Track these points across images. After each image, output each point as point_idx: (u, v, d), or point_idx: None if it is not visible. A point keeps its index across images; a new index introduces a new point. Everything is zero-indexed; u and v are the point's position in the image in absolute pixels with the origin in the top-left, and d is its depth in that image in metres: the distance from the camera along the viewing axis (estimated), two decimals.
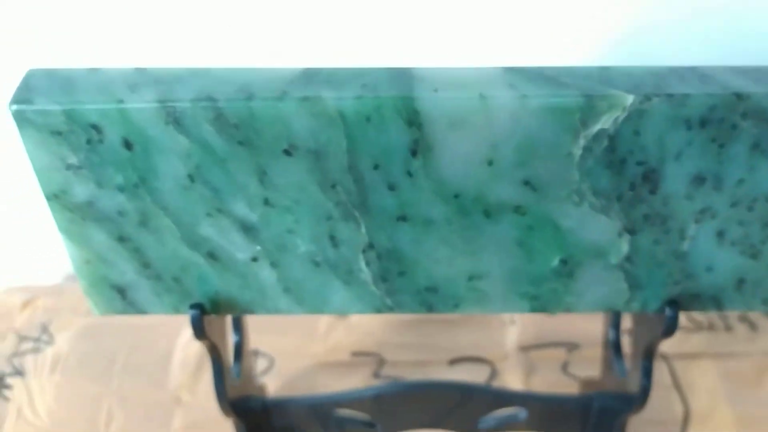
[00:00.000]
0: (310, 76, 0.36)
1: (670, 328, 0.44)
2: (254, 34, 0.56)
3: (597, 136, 0.36)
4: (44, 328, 0.69)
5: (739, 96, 0.35)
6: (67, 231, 0.40)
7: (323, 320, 0.70)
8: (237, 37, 0.56)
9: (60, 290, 0.73)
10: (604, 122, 0.35)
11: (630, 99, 0.35)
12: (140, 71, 0.36)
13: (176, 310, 0.44)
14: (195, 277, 0.43)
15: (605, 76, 0.36)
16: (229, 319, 0.51)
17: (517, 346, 0.68)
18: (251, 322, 0.66)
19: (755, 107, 0.35)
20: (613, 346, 0.54)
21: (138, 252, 0.41)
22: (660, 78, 0.36)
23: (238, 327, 0.54)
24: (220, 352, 0.47)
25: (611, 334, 0.53)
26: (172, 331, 0.69)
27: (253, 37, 0.56)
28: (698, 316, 0.68)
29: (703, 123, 0.35)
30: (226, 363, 0.49)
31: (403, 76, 0.36)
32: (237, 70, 0.36)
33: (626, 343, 0.54)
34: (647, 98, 0.35)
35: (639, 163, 0.37)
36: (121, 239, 0.41)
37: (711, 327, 0.68)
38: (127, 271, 0.42)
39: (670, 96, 0.35)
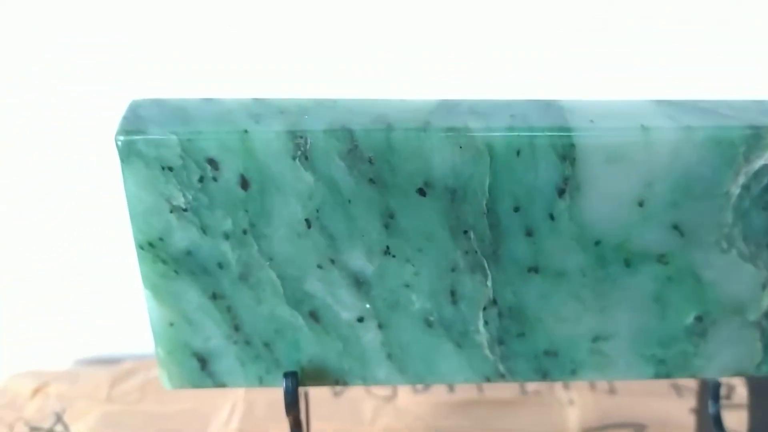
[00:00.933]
0: (450, 107, 0.32)
1: None
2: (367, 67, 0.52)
3: (758, 173, 0.33)
4: (58, 418, 0.61)
5: None
6: (154, 287, 0.35)
7: (369, 404, 0.64)
8: (347, 69, 0.53)
9: (74, 375, 0.66)
10: None
11: None
12: (260, 101, 0.32)
13: (261, 382, 0.39)
14: (289, 342, 0.37)
15: (764, 108, 0.33)
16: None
17: (579, 429, 0.62)
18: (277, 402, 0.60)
19: None
20: (715, 421, 0.49)
21: (230, 312, 0.36)
22: None
23: (304, 405, 0.48)
24: (303, 428, 0.41)
25: (711, 408, 0.49)
26: (200, 420, 0.62)
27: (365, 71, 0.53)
28: None
29: None
30: None
31: (551, 108, 0.33)
32: (367, 101, 0.33)
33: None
34: None
35: None
36: (215, 296, 0.35)
37: None
38: (213, 335, 0.37)
39: None
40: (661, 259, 0.36)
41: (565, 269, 0.36)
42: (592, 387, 0.66)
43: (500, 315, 0.37)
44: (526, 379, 0.40)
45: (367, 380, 0.39)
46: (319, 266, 0.35)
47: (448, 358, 0.39)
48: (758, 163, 0.33)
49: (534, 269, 0.36)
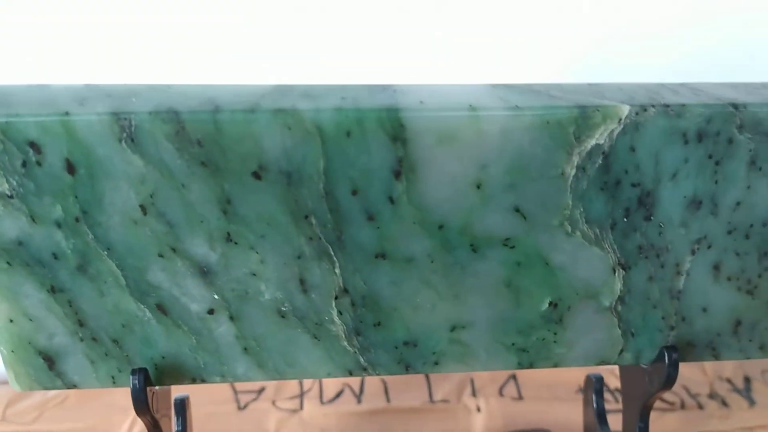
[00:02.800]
0: (283, 91, 0.33)
1: (671, 377, 0.40)
2: (218, 52, 0.52)
3: (591, 153, 0.34)
4: None
5: (735, 106, 0.33)
6: None
7: (273, 416, 0.63)
8: (201, 56, 0.52)
9: None
10: (599, 136, 0.33)
11: (626, 110, 0.33)
12: (90, 87, 0.32)
13: (114, 381, 0.38)
14: (139, 338, 0.37)
15: (596, 90, 0.34)
16: (171, 402, 0.44)
17: None
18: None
19: (752, 118, 0.33)
20: (598, 416, 0.49)
21: (72, 306, 0.35)
22: (652, 91, 0.34)
23: (183, 415, 0.47)
24: None
25: (595, 402, 0.49)
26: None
27: (217, 56, 0.52)
28: (669, 395, 0.65)
29: (700, 137, 0.34)
30: None
31: (385, 91, 0.33)
32: (201, 86, 0.32)
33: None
34: (643, 109, 0.33)
35: (634, 185, 0.35)
36: (54, 290, 0.35)
37: (683, 406, 0.64)
38: (57, 332, 0.36)
39: (666, 107, 0.33)
40: (507, 243, 0.36)
41: (412, 255, 0.36)
42: (501, 393, 0.65)
43: (353, 304, 0.37)
44: (389, 372, 0.40)
45: (226, 376, 0.39)
46: (161, 255, 0.34)
47: (307, 351, 0.38)
48: (590, 143, 0.33)
49: (381, 255, 0.36)
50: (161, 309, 0.36)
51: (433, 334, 0.39)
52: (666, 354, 0.40)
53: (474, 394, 0.65)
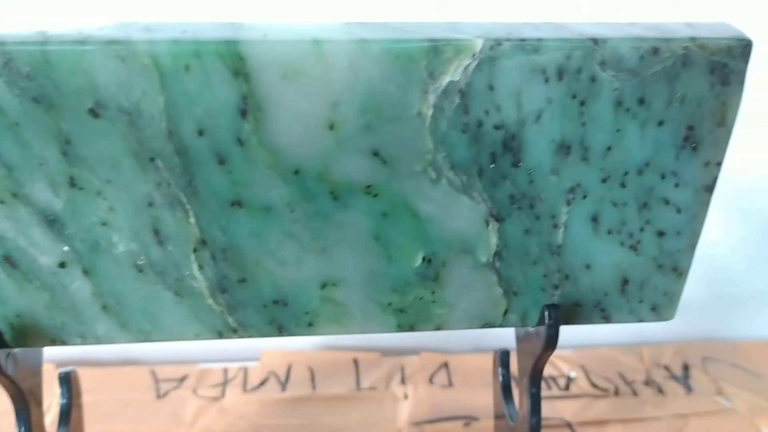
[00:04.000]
0: (124, 25, 0.31)
1: (551, 339, 0.39)
2: None
3: (447, 92, 0.32)
4: None
5: (595, 41, 0.32)
6: None
7: (192, 404, 0.61)
8: None
9: None
10: (453, 72, 0.32)
11: (479, 43, 0.32)
12: None
13: None
14: None
15: (454, 27, 0.33)
16: (52, 373, 0.42)
17: (410, 423, 0.60)
18: (98, 403, 0.57)
19: (613, 54, 0.32)
20: (503, 388, 0.47)
21: None
22: (513, 27, 0.33)
23: (68, 388, 0.45)
24: (29, 406, 0.38)
25: (500, 374, 0.47)
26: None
27: None
28: (603, 382, 0.63)
29: (561, 74, 0.33)
30: (36, 422, 0.40)
31: (230, 27, 0.32)
32: (35, 24, 0.31)
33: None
34: (498, 43, 0.32)
35: (497, 127, 0.34)
36: None
37: (617, 393, 0.63)
38: None
39: (522, 41, 0.32)
40: (369, 190, 0.35)
41: (270, 203, 0.34)
42: (431, 381, 0.64)
43: (214, 257, 0.35)
44: (262, 334, 0.38)
45: (86, 338, 0.37)
46: (1, 201, 0.33)
47: (170, 309, 0.37)
48: (444, 80, 0.32)
49: (237, 203, 0.34)
50: (9, 261, 0.34)
51: (303, 292, 0.37)
52: (546, 313, 0.38)
53: (403, 381, 0.64)
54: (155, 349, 0.66)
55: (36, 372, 0.40)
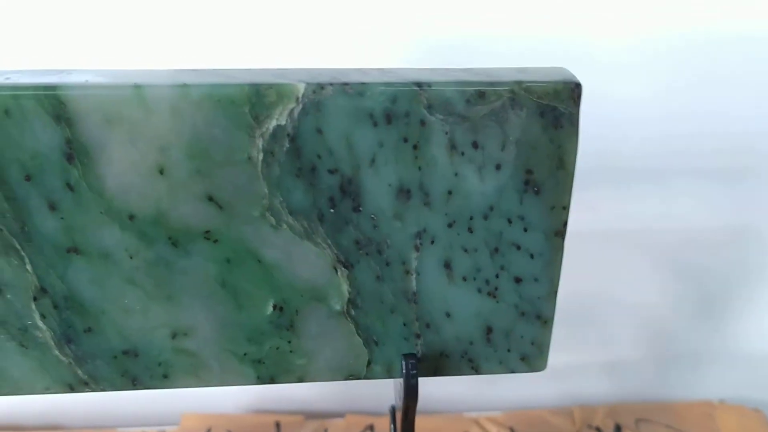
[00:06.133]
0: None
1: (411, 389, 0.37)
2: None
3: (276, 136, 0.32)
4: None
5: (419, 85, 0.32)
6: None
7: None
8: None
9: None
10: (279, 116, 0.32)
11: (302, 88, 0.32)
12: None
13: None
14: None
15: (280, 73, 0.33)
16: None
17: None
18: None
19: (439, 97, 0.32)
20: None
21: None
22: (340, 72, 0.33)
23: None
24: None
25: (391, 430, 0.46)
26: None
27: None
28: None
29: (389, 117, 0.33)
30: None
31: (57, 73, 0.32)
32: None
33: None
34: (320, 87, 0.32)
35: (331, 171, 0.33)
36: None
37: None
38: None
39: (344, 85, 0.32)
40: (208, 236, 0.34)
41: (107, 249, 0.34)
42: None
43: (56, 306, 0.35)
44: (115, 387, 0.37)
45: None
46: None
47: (17, 362, 0.36)
48: (271, 124, 0.32)
49: (73, 249, 0.34)
50: None
51: (153, 342, 0.36)
52: (403, 363, 0.37)
53: None
54: (72, 414, 0.65)
55: None
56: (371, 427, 0.64)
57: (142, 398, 0.65)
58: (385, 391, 0.64)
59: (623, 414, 0.66)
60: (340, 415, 0.66)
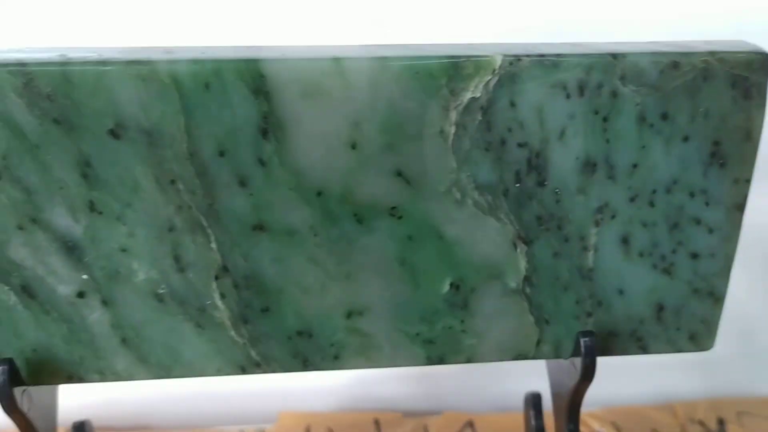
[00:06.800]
0: (144, 50, 0.32)
1: (588, 369, 0.37)
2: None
3: (469, 109, 0.32)
4: None
5: (614, 56, 0.32)
6: None
7: None
8: None
9: None
10: (474, 89, 0.32)
11: (499, 59, 0.32)
12: None
13: None
14: (6, 326, 0.34)
15: (477, 47, 0.33)
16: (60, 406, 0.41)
17: None
18: None
19: (633, 68, 0.32)
20: (536, 431, 0.45)
21: None
22: (533, 46, 0.33)
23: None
24: None
25: (533, 417, 0.45)
26: None
27: None
28: None
29: (582, 89, 0.32)
30: None
31: (249, 49, 0.32)
32: (55, 48, 0.32)
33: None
34: (517, 59, 0.32)
35: (521, 145, 0.33)
36: None
37: None
38: None
39: (541, 56, 0.32)
40: (394, 212, 0.34)
41: (293, 226, 0.34)
42: None
43: (236, 285, 0.35)
44: (286, 368, 0.37)
45: (105, 374, 0.36)
46: (20, 227, 0.33)
47: (192, 342, 0.36)
48: (465, 96, 0.32)
49: (259, 227, 0.34)
50: (27, 291, 0.34)
51: (328, 322, 0.36)
52: (582, 341, 0.37)
53: None
54: (168, 414, 0.65)
55: (51, 414, 0.38)
56: (471, 424, 0.64)
57: (239, 396, 0.65)
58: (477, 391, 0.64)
59: (724, 408, 0.65)
60: (437, 412, 0.65)
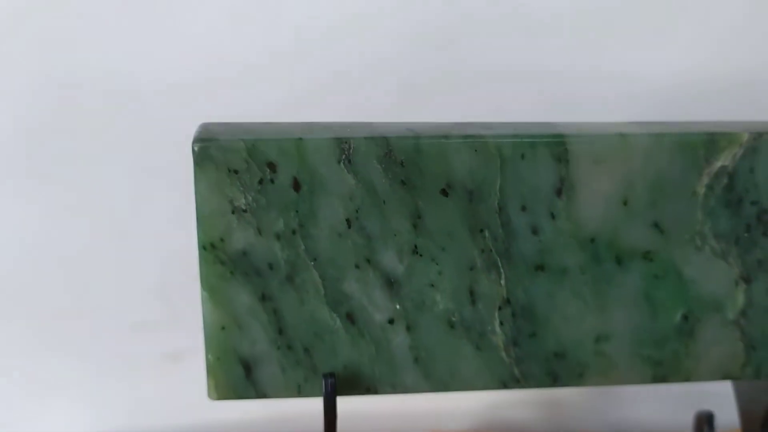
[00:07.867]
0: (464, 126, 0.40)
1: None
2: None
3: (718, 174, 0.41)
4: None
5: None
6: (212, 289, 0.40)
7: None
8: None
9: None
10: (724, 158, 0.40)
11: (746, 136, 0.40)
12: (310, 123, 0.40)
13: (299, 391, 0.43)
14: (327, 347, 0.42)
15: (717, 124, 0.41)
16: None
17: None
18: None
19: None
20: None
21: (276, 314, 0.41)
22: (765, 125, 0.41)
23: None
24: None
25: None
26: None
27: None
28: None
29: None
30: None
31: (548, 125, 0.40)
32: (397, 123, 0.40)
33: None
34: (759, 135, 0.40)
35: (753, 203, 0.41)
36: (264, 298, 0.40)
37: None
38: (259, 339, 0.41)
39: None
40: (647, 256, 0.42)
41: (566, 267, 0.42)
42: None
43: (513, 315, 0.43)
44: (539, 384, 0.44)
45: (396, 387, 0.44)
46: (357, 266, 0.40)
47: (469, 362, 0.43)
48: (717, 165, 0.40)
49: (540, 267, 0.42)
50: (350, 318, 0.41)
51: (580, 346, 0.44)
52: None
53: None
54: None
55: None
56: None
57: (384, 417, 0.71)
58: (596, 413, 0.71)
59: None
60: None
